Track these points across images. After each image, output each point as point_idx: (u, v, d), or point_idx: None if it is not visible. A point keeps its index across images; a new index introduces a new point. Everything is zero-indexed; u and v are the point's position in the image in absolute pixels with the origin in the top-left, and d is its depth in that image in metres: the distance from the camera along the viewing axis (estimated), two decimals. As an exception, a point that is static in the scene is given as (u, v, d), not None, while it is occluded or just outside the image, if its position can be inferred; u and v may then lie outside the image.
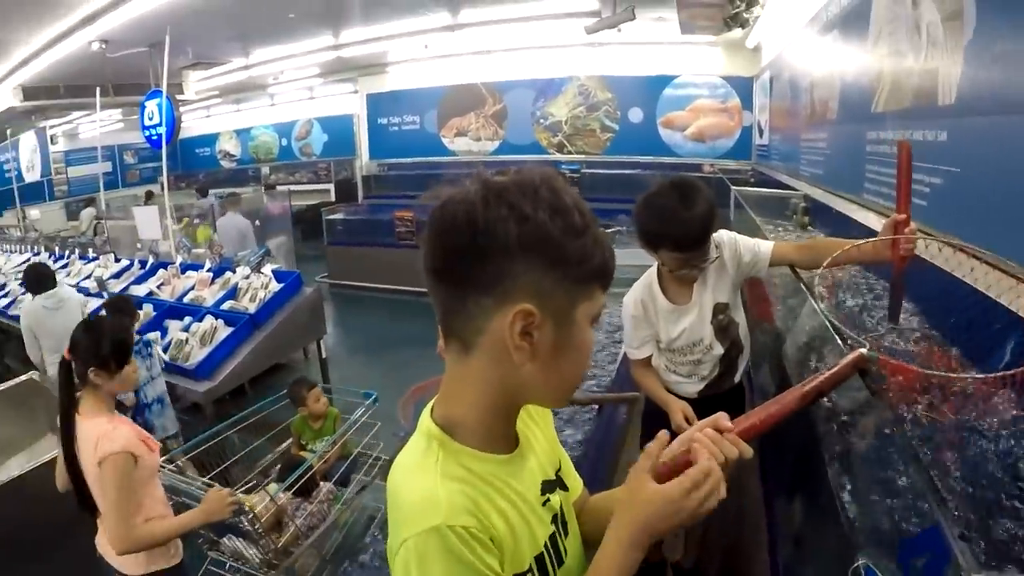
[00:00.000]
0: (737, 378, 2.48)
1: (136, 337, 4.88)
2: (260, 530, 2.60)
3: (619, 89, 10.81)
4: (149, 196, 13.31)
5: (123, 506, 2.16)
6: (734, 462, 0.94)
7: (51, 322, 4.71)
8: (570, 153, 11.40)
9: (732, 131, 10.08)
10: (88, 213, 13.47)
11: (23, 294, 6.69)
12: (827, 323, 1.71)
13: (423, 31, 8.84)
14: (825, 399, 1.58)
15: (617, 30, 7.16)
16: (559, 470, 1.09)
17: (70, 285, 7.05)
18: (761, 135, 8.60)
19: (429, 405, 0.97)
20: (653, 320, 2.37)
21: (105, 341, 2.26)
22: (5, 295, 7.26)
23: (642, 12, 6.96)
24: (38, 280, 4.85)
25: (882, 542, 1.16)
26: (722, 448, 0.93)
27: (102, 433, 2.17)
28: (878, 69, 2.97)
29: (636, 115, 10.73)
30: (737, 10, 6.39)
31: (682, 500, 0.87)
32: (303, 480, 2.86)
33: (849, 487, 1.37)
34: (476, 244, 0.81)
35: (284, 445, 3.54)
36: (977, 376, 1.40)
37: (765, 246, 2.30)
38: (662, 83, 10.42)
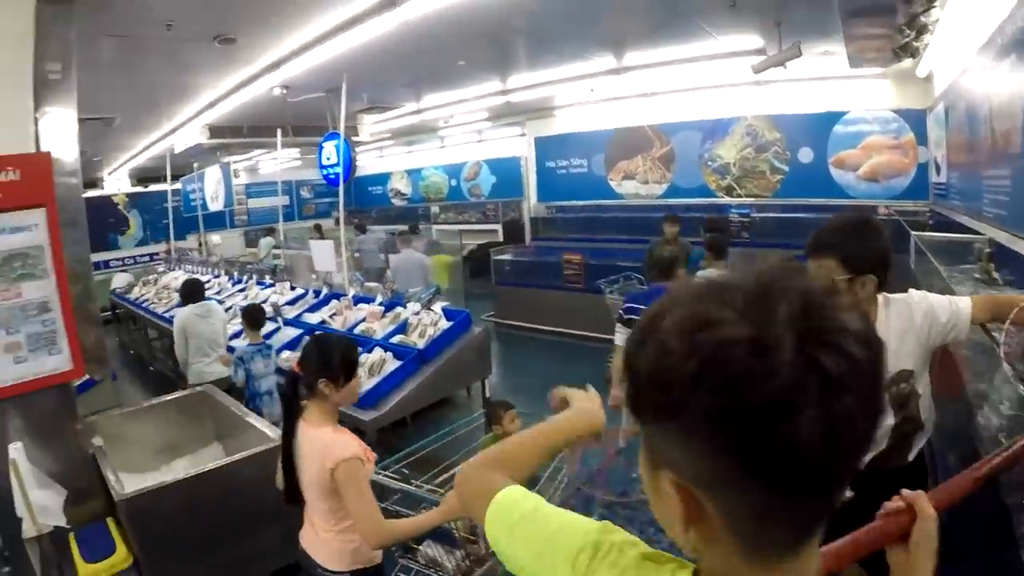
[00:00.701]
0: (911, 456, 2.22)
1: (261, 341, 5.62)
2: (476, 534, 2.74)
3: (787, 128, 10.29)
4: (318, 229, 14.25)
5: (368, 504, 2.36)
6: None
7: (200, 327, 5.69)
8: (739, 196, 10.93)
9: (907, 169, 9.24)
10: (267, 242, 14.57)
11: (177, 304, 7.69)
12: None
13: (589, 75, 8.92)
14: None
15: (783, 67, 6.95)
16: None
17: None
18: (938, 172, 7.86)
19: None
20: None
21: (336, 355, 2.48)
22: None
23: (808, 47, 6.71)
24: (190, 292, 5.94)
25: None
26: None
27: (330, 441, 2.39)
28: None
29: (806, 155, 10.14)
30: (907, 39, 5.96)
31: None
32: None
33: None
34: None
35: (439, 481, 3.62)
36: None
37: (963, 304, 2.03)
38: (831, 120, 9.79)
